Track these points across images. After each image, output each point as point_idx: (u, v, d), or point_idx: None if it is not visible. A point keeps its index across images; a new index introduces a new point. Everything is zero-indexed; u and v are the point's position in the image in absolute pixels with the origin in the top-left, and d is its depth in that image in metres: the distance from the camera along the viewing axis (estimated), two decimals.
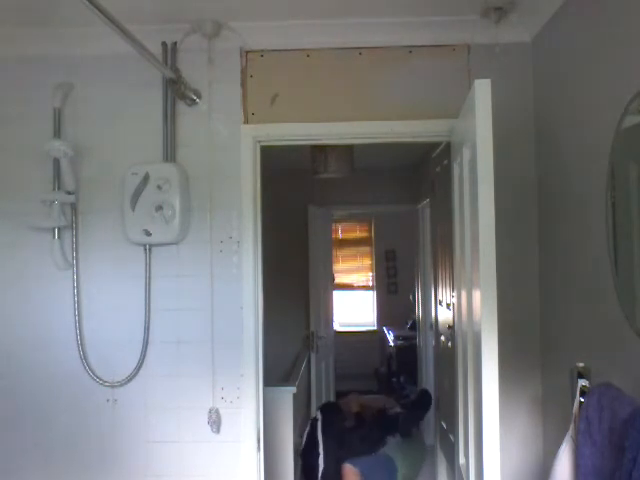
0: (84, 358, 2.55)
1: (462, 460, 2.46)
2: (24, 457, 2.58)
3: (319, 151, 3.88)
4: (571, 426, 1.61)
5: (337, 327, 7.32)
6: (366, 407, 4.33)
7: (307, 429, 4.03)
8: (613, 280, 1.78)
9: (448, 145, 2.72)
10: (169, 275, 2.56)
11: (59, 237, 2.55)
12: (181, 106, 2.58)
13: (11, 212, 2.59)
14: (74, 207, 2.57)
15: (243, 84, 2.61)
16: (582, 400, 1.60)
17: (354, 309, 8.48)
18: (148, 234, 2.49)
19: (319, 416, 4.03)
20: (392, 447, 3.96)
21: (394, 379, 7.17)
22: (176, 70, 2.51)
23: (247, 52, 2.61)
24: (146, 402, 2.55)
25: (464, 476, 2.37)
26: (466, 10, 2.44)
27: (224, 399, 2.53)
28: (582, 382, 1.64)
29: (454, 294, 2.70)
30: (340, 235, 8.41)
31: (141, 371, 2.54)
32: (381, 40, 2.58)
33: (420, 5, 2.42)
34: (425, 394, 4.47)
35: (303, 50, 2.60)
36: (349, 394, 4.73)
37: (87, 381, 2.55)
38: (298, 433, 4.07)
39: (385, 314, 8.18)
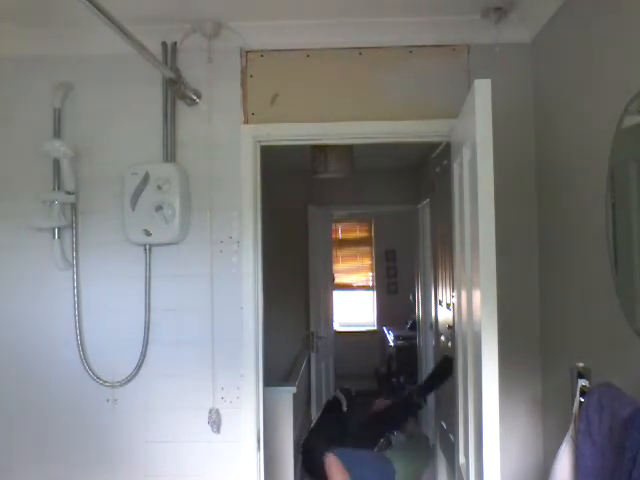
0: (84, 358, 2.55)
1: (462, 460, 2.46)
2: (24, 456, 2.58)
3: (319, 151, 3.88)
4: (571, 426, 1.61)
5: (337, 327, 7.33)
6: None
7: (319, 412, 4.02)
8: (613, 280, 1.78)
9: (448, 145, 2.72)
10: (169, 275, 2.56)
11: (59, 237, 2.55)
12: (181, 106, 2.58)
13: (11, 212, 2.59)
14: (74, 207, 2.57)
15: (243, 84, 2.61)
16: (582, 400, 1.60)
17: (354, 309, 8.48)
18: (148, 234, 2.49)
19: (338, 392, 4.04)
20: (394, 449, 3.92)
21: (394, 379, 7.16)
22: (176, 70, 2.51)
23: (247, 52, 2.61)
24: (146, 402, 2.55)
25: (464, 476, 2.37)
26: (466, 10, 2.44)
27: (224, 399, 2.53)
28: (582, 382, 1.64)
29: (454, 294, 2.70)
30: (340, 235, 8.42)
31: (141, 371, 2.54)
32: (381, 40, 2.58)
33: (420, 5, 2.42)
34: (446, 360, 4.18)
35: (303, 50, 2.60)
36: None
37: (87, 381, 2.55)
38: (298, 433, 4.07)
39: (385, 314, 8.18)
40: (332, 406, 3.93)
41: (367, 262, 8.49)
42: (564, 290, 2.27)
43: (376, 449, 3.72)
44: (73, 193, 2.53)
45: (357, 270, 8.54)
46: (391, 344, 7.22)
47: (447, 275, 3.71)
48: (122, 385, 2.55)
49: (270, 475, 2.93)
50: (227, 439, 2.53)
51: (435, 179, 4.15)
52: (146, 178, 2.48)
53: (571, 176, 2.18)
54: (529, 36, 2.53)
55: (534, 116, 2.54)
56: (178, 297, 2.56)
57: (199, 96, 2.57)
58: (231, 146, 2.58)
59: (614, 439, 1.42)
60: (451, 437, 3.14)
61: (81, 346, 2.55)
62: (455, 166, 2.48)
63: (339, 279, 8.13)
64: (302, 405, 4.74)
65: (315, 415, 5.16)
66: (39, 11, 2.39)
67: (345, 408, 3.75)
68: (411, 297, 6.85)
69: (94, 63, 2.59)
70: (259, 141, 2.63)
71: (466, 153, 2.15)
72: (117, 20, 1.80)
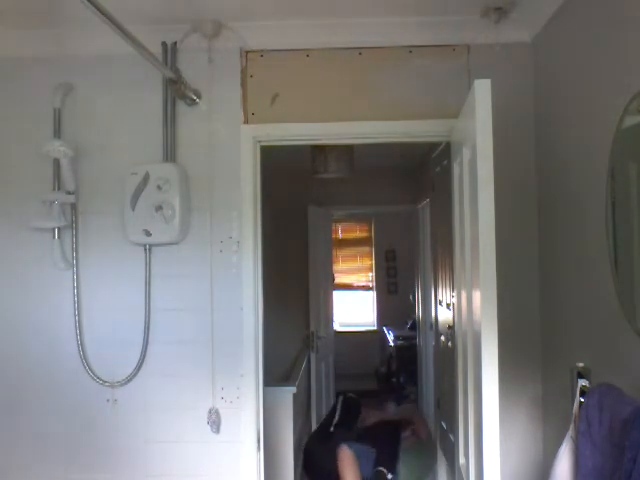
0: (84, 358, 2.55)
1: (462, 460, 2.46)
2: (24, 457, 2.57)
3: (319, 151, 3.88)
4: (571, 426, 1.61)
5: (337, 327, 7.33)
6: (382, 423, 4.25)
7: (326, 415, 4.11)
8: (613, 280, 1.78)
9: (448, 145, 2.72)
10: (169, 275, 2.56)
11: (59, 237, 2.55)
12: (181, 106, 2.58)
13: (11, 212, 2.59)
14: (74, 207, 2.57)
15: (243, 84, 2.61)
16: (582, 400, 1.60)
17: (354, 309, 8.48)
18: (148, 234, 2.49)
19: (340, 400, 4.08)
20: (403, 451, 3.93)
21: (394, 379, 7.17)
22: (176, 70, 2.51)
23: (247, 52, 2.61)
24: (146, 402, 2.55)
25: (464, 476, 2.37)
26: (466, 10, 2.44)
27: (224, 399, 2.53)
28: (582, 382, 1.65)
29: (454, 294, 2.70)
30: (340, 235, 8.42)
31: (141, 371, 2.54)
32: (381, 40, 2.58)
33: (420, 5, 2.42)
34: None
35: (303, 50, 2.60)
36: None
37: (87, 381, 2.55)
38: (299, 433, 4.07)
39: (385, 314, 8.19)
40: (334, 412, 3.98)
41: (367, 262, 8.49)
42: (564, 290, 2.27)
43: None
44: (73, 193, 2.53)
45: (357, 270, 8.54)
46: (391, 344, 7.23)
47: (447, 275, 3.70)
48: (122, 385, 2.54)
49: (270, 475, 2.93)
50: (227, 439, 2.53)
51: (435, 179, 4.14)
52: (146, 178, 2.48)
53: (571, 176, 2.18)
54: (529, 36, 2.53)
55: (534, 116, 2.54)
56: (178, 297, 2.56)
57: (199, 96, 2.57)
58: (231, 146, 2.58)
59: (614, 439, 1.42)
60: (451, 437, 3.14)
61: (81, 346, 2.55)
62: (455, 166, 2.48)
63: (339, 279, 8.13)
64: (302, 405, 4.74)
65: (314, 415, 5.17)
66: (39, 11, 2.39)
67: (336, 418, 3.83)
68: (411, 297, 6.86)
69: (94, 63, 2.59)
70: (259, 141, 2.62)
71: (466, 153, 2.15)
72: (117, 20, 1.80)
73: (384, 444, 3.78)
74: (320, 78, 2.60)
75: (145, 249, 2.54)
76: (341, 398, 4.20)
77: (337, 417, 3.93)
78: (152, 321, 2.54)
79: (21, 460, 2.58)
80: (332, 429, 3.83)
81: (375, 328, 8.28)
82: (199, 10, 2.42)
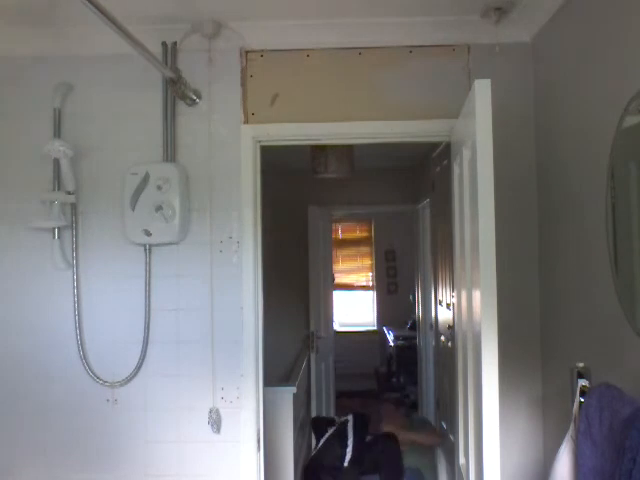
0: (84, 358, 2.55)
1: (462, 460, 2.46)
2: (23, 457, 2.58)
3: (319, 151, 3.87)
4: (571, 426, 1.61)
5: (337, 327, 7.32)
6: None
7: (331, 430, 3.91)
8: (613, 280, 1.78)
9: (448, 145, 2.72)
10: (169, 275, 2.56)
11: (59, 237, 2.55)
12: (181, 106, 2.58)
13: (11, 212, 2.59)
14: (74, 207, 2.57)
15: (243, 84, 2.61)
16: (582, 400, 1.60)
17: (354, 309, 8.48)
18: (148, 234, 2.49)
19: (350, 418, 3.93)
20: (411, 455, 3.87)
21: (394, 379, 7.18)
22: (176, 70, 2.51)
23: (247, 52, 2.61)
24: (146, 402, 2.55)
25: (464, 476, 2.37)
26: (466, 10, 2.44)
27: (224, 399, 2.53)
28: (582, 382, 1.64)
29: (454, 294, 2.70)
30: (340, 235, 8.41)
31: (141, 371, 2.54)
32: (381, 40, 2.58)
33: (420, 5, 2.42)
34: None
35: (303, 50, 2.60)
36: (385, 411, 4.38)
37: (87, 381, 2.55)
38: (299, 434, 4.06)
39: (385, 314, 8.18)
40: (344, 436, 3.84)
41: (367, 262, 8.49)
42: (564, 290, 2.27)
43: None
44: (73, 193, 2.53)
45: (357, 270, 8.53)
46: (391, 344, 7.23)
47: (447, 275, 3.71)
48: (122, 385, 2.54)
49: (270, 475, 2.93)
50: (227, 439, 2.53)
51: (435, 179, 4.15)
52: (146, 178, 2.48)
53: (571, 176, 2.18)
54: (529, 36, 2.53)
55: (534, 116, 2.54)
56: (178, 297, 2.56)
57: (199, 96, 2.57)
58: (231, 146, 2.58)
59: (614, 439, 1.42)
60: (451, 437, 3.14)
61: (81, 346, 2.55)
62: (455, 166, 2.48)
63: (339, 279, 8.13)
64: (302, 405, 4.73)
65: (314, 415, 5.16)
66: (39, 11, 2.39)
67: (349, 453, 3.66)
68: (411, 297, 6.86)
69: (94, 63, 2.59)
70: (259, 141, 2.63)
71: (466, 153, 2.15)
72: (117, 20, 1.80)
73: (388, 463, 3.70)
74: (320, 78, 2.60)
75: (145, 249, 2.54)
76: (351, 419, 3.91)
77: (350, 449, 3.73)
78: (152, 321, 2.54)
79: (21, 460, 2.58)
80: (346, 464, 3.62)
81: (375, 328, 8.28)
82: (199, 10, 2.42)
